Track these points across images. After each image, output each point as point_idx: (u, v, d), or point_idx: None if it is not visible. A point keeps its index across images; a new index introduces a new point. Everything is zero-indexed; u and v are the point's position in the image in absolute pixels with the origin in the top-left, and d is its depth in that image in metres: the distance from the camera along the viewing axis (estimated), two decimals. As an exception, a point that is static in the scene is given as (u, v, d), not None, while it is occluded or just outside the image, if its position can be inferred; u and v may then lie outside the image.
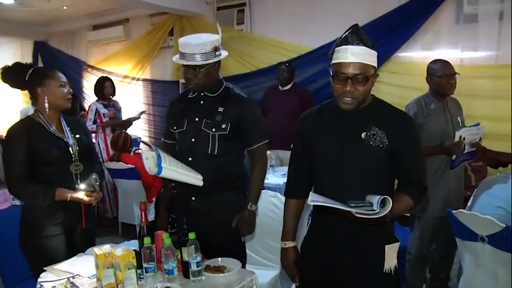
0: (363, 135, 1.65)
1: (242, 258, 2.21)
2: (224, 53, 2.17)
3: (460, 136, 2.70)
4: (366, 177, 1.66)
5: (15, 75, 2.27)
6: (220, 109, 2.17)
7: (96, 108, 5.07)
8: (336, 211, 1.51)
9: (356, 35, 1.59)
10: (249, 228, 2.21)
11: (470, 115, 3.36)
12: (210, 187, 2.17)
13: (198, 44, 2.05)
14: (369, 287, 1.73)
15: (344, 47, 1.59)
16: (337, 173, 1.69)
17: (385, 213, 1.43)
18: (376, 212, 1.45)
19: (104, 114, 5.09)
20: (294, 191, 1.91)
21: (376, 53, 1.63)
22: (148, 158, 2.04)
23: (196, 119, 2.20)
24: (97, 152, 2.79)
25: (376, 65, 1.63)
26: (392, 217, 1.58)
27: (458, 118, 2.91)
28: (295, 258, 1.88)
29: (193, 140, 2.20)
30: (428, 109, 2.81)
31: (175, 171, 2.06)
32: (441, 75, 2.79)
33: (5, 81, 2.29)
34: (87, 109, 5.23)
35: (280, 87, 4.80)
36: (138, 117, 5.62)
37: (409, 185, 1.68)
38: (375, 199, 1.49)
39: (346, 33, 1.61)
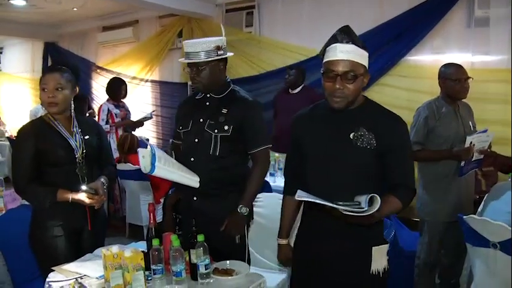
0: (351, 135, 1.67)
1: (244, 260, 2.21)
2: (228, 54, 2.20)
3: (471, 142, 2.68)
4: (353, 178, 1.68)
5: None
6: (224, 110, 2.19)
7: (108, 109, 5.03)
8: (323, 210, 1.52)
9: (346, 34, 1.63)
10: (237, 230, 2.21)
11: (481, 119, 3.33)
12: (212, 188, 2.19)
13: (199, 42, 2.11)
14: (355, 287, 1.75)
15: (334, 45, 1.63)
16: (326, 173, 1.72)
17: (373, 211, 1.43)
18: (364, 210, 1.44)
19: (116, 114, 5.06)
20: (291, 189, 1.93)
21: (367, 54, 1.66)
22: (145, 157, 2.04)
23: (201, 119, 2.22)
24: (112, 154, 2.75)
25: (366, 66, 1.66)
26: (380, 218, 1.61)
27: (470, 122, 2.89)
28: (288, 255, 1.97)
29: (196, 140, 2.22)
30: (439, 113, 2.79)
31: (169, 171, 2.08)
32: (455, 80, 2.77)
33: None
34: (97, 109, 5.13)
35: (290, 90, 4.80)
36: (151, 117, 5.59)
37: (397, 187, 1.69)
38: (363, 198, 1.49)
39: (336, 32, 1.65)
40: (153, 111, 5.89)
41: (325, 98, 1.72)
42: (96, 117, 5.07)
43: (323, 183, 1.71)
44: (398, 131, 1.71)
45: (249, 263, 2.27)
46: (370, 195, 1.45)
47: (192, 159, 2.21)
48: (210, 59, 2.12)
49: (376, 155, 1.66)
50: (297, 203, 1.96)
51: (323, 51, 1.68)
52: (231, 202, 2.20)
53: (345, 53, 1.60)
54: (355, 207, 1.46)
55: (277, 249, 2.02)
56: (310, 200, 1.51)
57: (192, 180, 2.16)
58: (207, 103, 2.25)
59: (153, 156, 1.99)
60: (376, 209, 1.43)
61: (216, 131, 2.17)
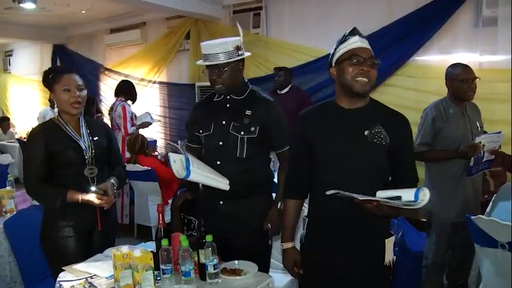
0: (365, 132, 1.72)
1: (268, 261, 2.24)
2: (246, 53, 2.19)
3: (480, 142, 2.66)
4: (366, 174, 1.73)
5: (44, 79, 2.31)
6: (248, 112, 2.16)
7: (131, 111, 5.01)
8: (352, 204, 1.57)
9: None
10: (279, 227, 2.18)
11: (489, 119, 3.31)
12: (239, 190, 2.16)
13: (219, 43, 2.08)
14: (371, 280, 1.79)
15: (355, 36, 1.73)
16: (339, 171, 1.75)
17: (424, 203, 1.52)
18: (417, 202, 1.53)
19: (136, 116, 5.09)
20: (294, 191, 1.96)
21: None
22: (176, 161, 2.04)
23: (224, 122, 2.19)
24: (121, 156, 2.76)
25: None
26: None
27: (477, 123, 2.86)
28: (296, 258, 1.94)
29: (220, 143, 2.19)
30: (447, 113, 2.77)
31: (203, 174, 2.07)
32: (462, 80, 2.74)
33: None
34: (121, 112, 4.97)
35: (278, 91, 4.95)
36: (153, 120, 5.59)
37: (404, 180, 1.77)
38: (405, 192, 1.56)
39: (349, 30, 1.76)
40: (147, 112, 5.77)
41: (344, 84, 1.73)
42: (121, 119, 4.94)
43: (335, 179, 1.72)
44: (406, 128, 1.80)
45: (268, 262, 2.29)
46: (420, 188, 1.54)
47: (219, 162, 2.18)
48: (232, 60, 2.09)
49: (387, 152, 1.73)
50: (299, 206, 1.99)
51: (333, 53, 1.77)
52: (256, 203, 2.21)
53: (366, 43, 1.74)
54: (402, 202, 1.55)
55: (283, 255, 1.98)
56: (375, 199, 1.57)
57: (222, 183, 2.14)
58: (228, 105, 2.21)
59: (187, 160, 1.98)
60: (427, 202, 1.52)
61: (242, 133, 2.15)
